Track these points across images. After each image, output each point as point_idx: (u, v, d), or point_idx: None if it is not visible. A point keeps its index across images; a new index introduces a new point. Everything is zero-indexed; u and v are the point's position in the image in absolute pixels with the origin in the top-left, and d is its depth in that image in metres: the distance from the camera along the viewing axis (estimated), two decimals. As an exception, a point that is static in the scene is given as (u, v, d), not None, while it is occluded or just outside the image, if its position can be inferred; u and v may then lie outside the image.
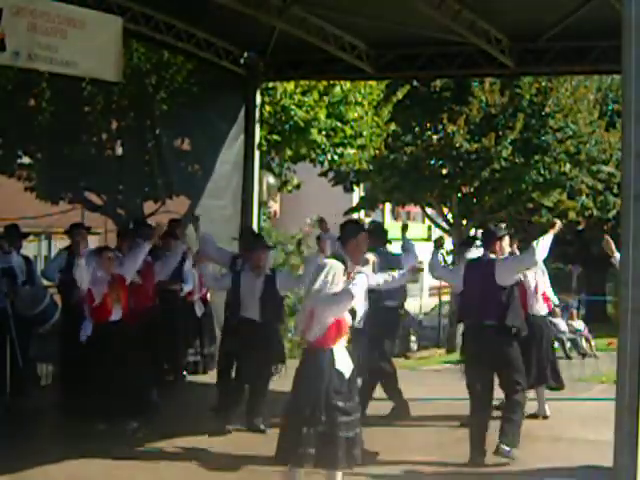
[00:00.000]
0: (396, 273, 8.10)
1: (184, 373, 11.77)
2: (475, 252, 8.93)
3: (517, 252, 9.16)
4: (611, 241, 7.90)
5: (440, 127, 23.96)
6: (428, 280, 9.43)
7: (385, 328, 9.37)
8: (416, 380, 12.83)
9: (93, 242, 10.10)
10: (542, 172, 23.88)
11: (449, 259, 17.59)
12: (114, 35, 10.10)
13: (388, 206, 36.88)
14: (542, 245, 7.98)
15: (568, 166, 24.20)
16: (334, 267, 6.44)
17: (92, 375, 8.45)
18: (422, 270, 8.40)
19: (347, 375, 6.42)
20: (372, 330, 8.41)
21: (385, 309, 9.17)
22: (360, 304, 7.40)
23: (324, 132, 15.63)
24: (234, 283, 8.85)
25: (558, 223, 8.31)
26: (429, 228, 37.69)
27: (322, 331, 6.33)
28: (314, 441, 6.23)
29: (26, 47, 9.13)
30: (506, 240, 8.27)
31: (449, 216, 26.55)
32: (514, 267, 8.19)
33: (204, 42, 12.58)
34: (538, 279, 9.56)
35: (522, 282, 8.95)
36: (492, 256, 8.15)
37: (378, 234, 9.48)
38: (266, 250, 9.02)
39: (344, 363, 6.42)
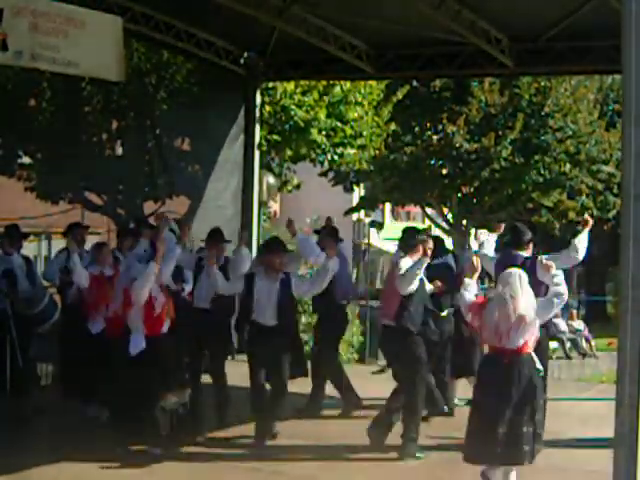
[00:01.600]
0: None
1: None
2: (490, 247, 8.97)
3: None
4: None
5: (440, 127, 23.95)
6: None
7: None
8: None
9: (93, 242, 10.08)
10: (542, 172, 23.87)
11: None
12: (115, 35, 10.11)
13: (388, 206, 36.88)
14: (582, 243, 8.38)
15: (568, 166, 24.19)
16: (522, 275, 6.87)
17: (125, 392, 7.91)
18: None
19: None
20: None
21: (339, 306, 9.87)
22: None
23: (324, 132, 15.64)
24: (248, 287, 8.51)
25: (590, 220, 8.63)
26: (429, 228, 37.66)
27: (529, 337, 6.79)
28: (509, 440, 6.70)
29: (28, 47, 9.14)
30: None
31: (449, 216, 26.54)
32: (559, 265, 8.31)
33: (204, 42, 12.60)
34: None
35: None
36: (525, 254, 8.39)
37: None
38: (283, 254, 8.62)
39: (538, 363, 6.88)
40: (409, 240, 8.35)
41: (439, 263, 9.23)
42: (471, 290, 7.30)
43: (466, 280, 7.27)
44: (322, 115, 15.41)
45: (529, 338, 6.78)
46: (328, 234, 9.67)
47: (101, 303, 8.85)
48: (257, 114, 13.85)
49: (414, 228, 9.13)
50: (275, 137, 15.33)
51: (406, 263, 8.15)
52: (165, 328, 7.91)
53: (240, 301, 8.85)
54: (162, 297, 7.89)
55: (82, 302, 9.11)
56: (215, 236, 9.40)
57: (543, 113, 23.85)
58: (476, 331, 7.75)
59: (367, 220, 37.18)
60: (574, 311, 26.30)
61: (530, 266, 8.15)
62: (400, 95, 20.56)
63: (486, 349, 7.13)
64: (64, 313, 9.68)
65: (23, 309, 9.36)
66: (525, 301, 6.73)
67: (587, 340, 24.42)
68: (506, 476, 6.88)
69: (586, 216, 8.95)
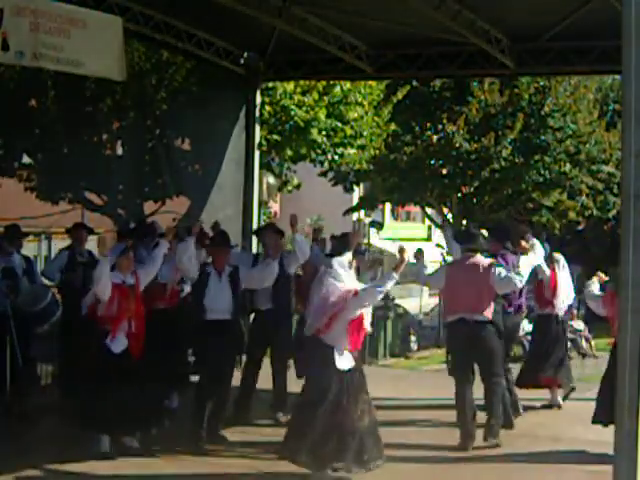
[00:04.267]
0: None
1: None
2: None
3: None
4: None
5: (440, 127, 23.92)
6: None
7: None
8: (416, 380, 12.86)
9: (93, 242, 10.07)
10: (542, 172, 23.85)
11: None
12: (115, 35, 10.12)
13: (388, 206, 36.88)
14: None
15: (568, 166, 24.16)
16: None
17: None
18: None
19: None
20: None
21: None
22: None
23: (324, 132, 15.63)
24: None
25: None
26: (429, 228, 37.70)
27: None
28: None
29: (30, 46, 9.14)
30: None
31: (449, 216, 26.51)
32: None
33: (204, 42, 12.59)
34: None
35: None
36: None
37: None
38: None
39: None
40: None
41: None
42: (596, 285, 8.70)
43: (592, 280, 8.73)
44: (322, 115, 15.41)
45: None
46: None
47: (123, 317, 7.88)
48: (257, 114, 13.84)
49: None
50: (275, 137, 15.33)
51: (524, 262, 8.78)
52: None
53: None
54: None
55: (94, 314, 7.98)
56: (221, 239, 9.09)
57: (543, 113, 23.81)
58: None
59: (367, 220, 37.17)
60: (574, 311, 26.25)
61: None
62: (400, 95, 20.56)
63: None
64: (65, 313, 9.69)
65: (26, 306, 9.34)
66: None
67: (587, 340, 24.39)
68: None
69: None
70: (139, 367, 7.92)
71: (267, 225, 10.38)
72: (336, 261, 7.39)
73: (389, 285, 7.32)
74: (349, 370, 7.24)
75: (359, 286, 7.34)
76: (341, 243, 9.19)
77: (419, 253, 9.08)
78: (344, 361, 7.22)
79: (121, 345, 7.86)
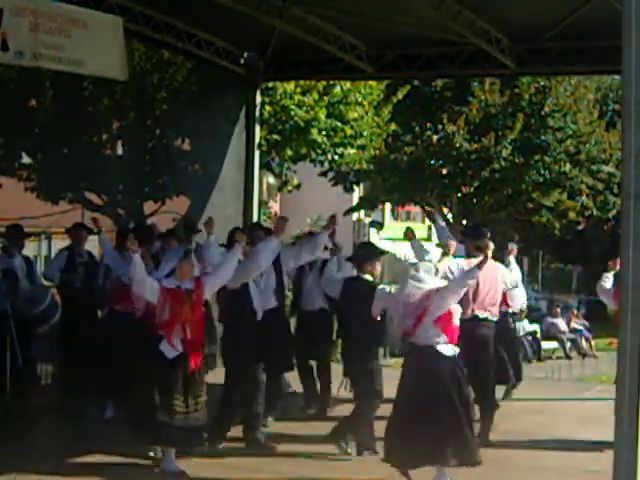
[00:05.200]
0: None
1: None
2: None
3: None
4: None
5: (440, 127, 23.93)
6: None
7: None
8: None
9: (93, 242, 10.08)
10: (542, 172, 23.86)
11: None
12: (116, 35, 10.12)
13: (388, 206, 36.87)
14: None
15: (568, 166, 24.18)
16: None
17: None
18: None
19: None
20: None
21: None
22: None
23: (324, 132, 15.63)
24: None
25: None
26: (429, 228, 37.69)
27: None
28: None
29: (30, 47, 9.15)
30: None
31: (449, 216, 26.53)
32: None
33: (204, 42, 12.59)
34: None
35: None
36: None
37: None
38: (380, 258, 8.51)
39: None
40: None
41: None
42: (610, 280, 8.64)
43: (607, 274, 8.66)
44: (322, 115, 15.41)
45: None
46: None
47: (176, 323, 7.46)
48: (257, 114, 13.84)
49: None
50: (275, 137, 15.33)
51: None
52: None
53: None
54: None
55: (148, 319, 7.70)
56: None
57: (543, 113, 23.83)
58: None
59: (367, 220, 37.18)
60: (574, 311, 26.30)
61: None
62: (400, 95, 20.56)
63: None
64: (64, 313, 9.70)
65: (25, 308, 9.34)
66: None
67: (587, 340, 24.42)
68: None
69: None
70: (193, 375, 7.62)
71: (252, 225, 10.31)
72: (423, 266, 7.47)
73: (471, 281, 7.45)
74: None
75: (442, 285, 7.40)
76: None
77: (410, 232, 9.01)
78: (450, 350, 7.20)
79: (174, 351, 7.46)
